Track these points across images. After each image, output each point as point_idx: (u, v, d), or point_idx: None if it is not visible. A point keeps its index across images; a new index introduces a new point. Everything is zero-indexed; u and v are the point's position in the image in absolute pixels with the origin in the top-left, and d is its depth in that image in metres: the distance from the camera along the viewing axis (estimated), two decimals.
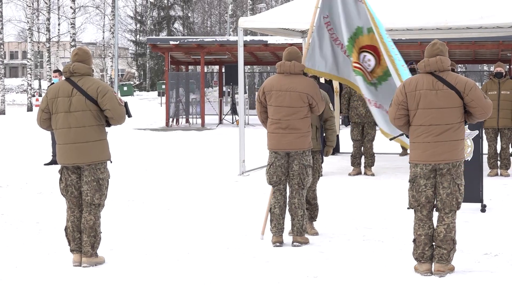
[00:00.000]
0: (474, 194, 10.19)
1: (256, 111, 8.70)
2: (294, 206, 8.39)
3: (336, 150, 17.56)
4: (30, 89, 44.38)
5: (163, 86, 41.45)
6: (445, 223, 7.04)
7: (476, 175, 10.29)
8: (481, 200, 10.33)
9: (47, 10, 53.77)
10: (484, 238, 8.70)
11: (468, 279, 7.00)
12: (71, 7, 42.15)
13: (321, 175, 9.21)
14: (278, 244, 8.36)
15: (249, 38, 27.44)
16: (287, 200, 8.49)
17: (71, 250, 7.61)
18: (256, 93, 8.63)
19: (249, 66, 39.22)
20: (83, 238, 7.53)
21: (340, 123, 17.54)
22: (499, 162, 14.06)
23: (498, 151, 14.08)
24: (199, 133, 25.43)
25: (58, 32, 62.91)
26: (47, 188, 12.64)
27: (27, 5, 46.16)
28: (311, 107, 8.36)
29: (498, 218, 9.92)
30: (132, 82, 69.05)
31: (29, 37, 45.30)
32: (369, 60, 8.96)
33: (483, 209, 10.30)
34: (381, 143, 16.80)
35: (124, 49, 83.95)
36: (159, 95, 50.45)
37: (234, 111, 29.47)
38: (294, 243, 8.37)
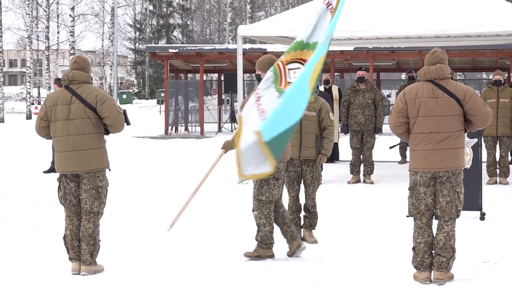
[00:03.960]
0: (473, 202, 10.19)
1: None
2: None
3: (335, 158, 17.57)
4: (29, 97, 44.40)
5: (162, 94, 41.42)
6: (444, 231, 7.04)
7: (475, 183, 10.28)
8: (480, 208, 10.32)
9: (46, 18, 53.85)
10: (483, 246, 8.70)
11: (467, 287, 7.00)
12: (70, 15, 42.19)
13: (320, 183, 9.20)
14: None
15: (248, 46, 27.53)
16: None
17: (70, 258, 7.61)
18: None
19: (248, 74, 39.22)
20: (82, 246, 7.52)
21: (339, 131, 17.53)
22: (498, 170, 14.06)
23: (497, 159, 14.09)
24: (198, 141, 25.42)
25: (57, 40, 62.94)
26: (46, 196, 12.62)
27: (26, 13, 46.28)
28: None
29: (497, 226, 9.91)
30: (131, 90, 69.09)
31: (28, 45, 45.35)
32: (295, 73, 8.24)
33: (482, 217, 10.29)
34: (381, 151, 16.82)
35: (123, 57, 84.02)
36: (158, 103, 50.46)
37: (233, 119, 29.46)
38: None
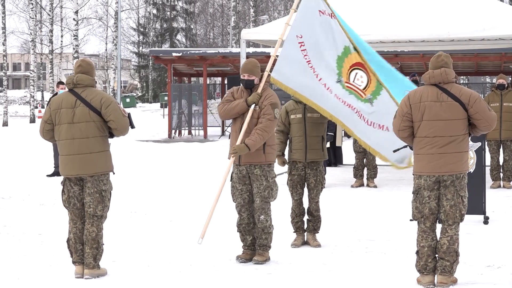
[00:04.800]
0: (477, 206, 10.18)
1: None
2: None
3: (339, 162, 17.57)
4: (32, 101, 44.46)
5: (166, 98, 41.48)
6: (448, 235, 7.03)
7: (479, 187, 10.28)
8: (483, 212, 10.32)
9: (50, 22, 53.87)
10: (487, 250, 8.69)
11: None
12: (74, 19, 42.23)
13: (324, 187, 9.20)
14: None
15: (251, 49, 27.50)
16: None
17: (73, 262, 7.61)
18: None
19: None
20: (85, 249, 7.52)
21: (343, 134, 17.54)
22: (501, 174, 14.05)
23: (501, 163, 14.08)
24: (201, 145, 25.44)
25: (61, 44, 62.98)
26: (49, 200, 12.63)
27: (30, 17, 46.30)
28: None
29: (501, 230, 9.90)
30: (134, 94, 69.13)
31: (32, 49, 45.45)
32: (361, 76, 8.81)
33: (485, 221, 10.29)
34: None
35: (126, 61, 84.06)
36: (161, 106, 50.49)
37: None
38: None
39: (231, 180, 8.36)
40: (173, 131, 29.30)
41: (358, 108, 8.70)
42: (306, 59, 8.83)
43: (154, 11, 72.17)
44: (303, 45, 8.86)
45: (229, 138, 8.38)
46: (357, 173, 14.35)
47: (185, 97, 30.31)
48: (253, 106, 8.08)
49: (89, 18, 65.69)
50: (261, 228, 8.14)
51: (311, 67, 8.82)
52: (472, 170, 10.28)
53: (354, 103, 8.68)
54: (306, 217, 9.17)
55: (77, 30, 42.46)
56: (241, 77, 8.18)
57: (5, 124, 40.46)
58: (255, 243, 8.26)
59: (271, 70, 8.54)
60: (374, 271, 7.75)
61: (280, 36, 8.95)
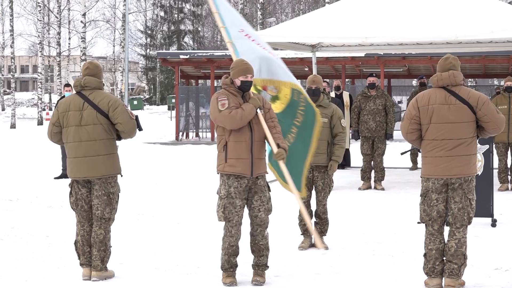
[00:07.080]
0: (485, 208, 10.16)
1: None
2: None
3: (346, 164, 17.55)
4: (40, 103, 44.56)
5: (173, 100, 41.51)
6: (456, 238, 7.02)
7: (487, 190, 10.26)
8: (491, 215, 10.29)
9: (57, 24, 54.03)
10: (495, 252, 8.67)
11: None
12: (81, 21, 42.31)
13: (332, 190, 9.19)
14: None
15: None
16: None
17: (81, 264, 7.61)
18: None
19: None
20: (93, 252, 7.52)
21: (350, 137, 17.52)
22: (509, 177, 14.02)
23: (509, 166, 14.05)
24: (209, 147, 25.43)
25: (69, 46, 63.12)
26: (57, 202, 12.65)
27: (38, 19, 46.40)
28: None
29: (508, 232, 9.88)
30: (142, 96, 69.20)
31: (40, 51, 45.54)
32: None
33: (493, 224, 10.26)
34: (391, 158, 16.80)
35: (134, 63, 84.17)
36: (169, 109, 50.53)
37: None
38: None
39: (220, 195, 7.36)
40: (181, 133, 29.32)
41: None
42: (260, 46, 8.47)
43: (162, 14, 72.28)
44: (250, 36, 8.46)
45: (223, 151, 7.29)
46: (365, 176, 14.33)
47: (193, 99, 30.34)
48: (259, 110, 7.37)
49: (96, 21, 65.82)
50: (264, 246, 7.41)
51: (264, 48, 8.51)
52: (480, 173, 10.26)
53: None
54: (313, 220, 9.16)
55: (84, 32, 42.54)
56: (243, 78, 7.31)
57: (13, 126, 40.57)
58: (236, 264, 7.46)
59: None
60: (381, 274, 7.74)
61: (226, 40, 8.58)
